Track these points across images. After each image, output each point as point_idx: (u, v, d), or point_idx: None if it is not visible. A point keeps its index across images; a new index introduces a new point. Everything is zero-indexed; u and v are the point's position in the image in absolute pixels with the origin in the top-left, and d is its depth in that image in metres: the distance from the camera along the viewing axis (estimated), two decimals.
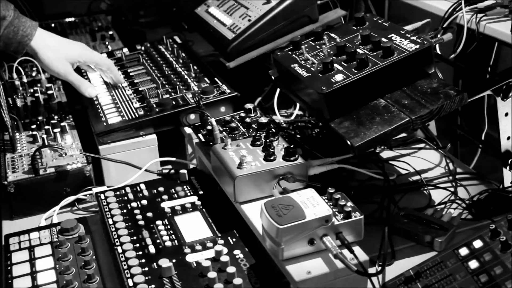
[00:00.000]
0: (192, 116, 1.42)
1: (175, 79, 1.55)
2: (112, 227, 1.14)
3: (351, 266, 0.91)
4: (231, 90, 1.47)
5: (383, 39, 1.18)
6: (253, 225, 1.05)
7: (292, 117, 1.52)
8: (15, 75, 1.73)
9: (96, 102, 1.52)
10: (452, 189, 1.32)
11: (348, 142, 1.05)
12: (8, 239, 1.17)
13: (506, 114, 1.26)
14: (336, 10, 1.63)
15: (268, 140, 1.15)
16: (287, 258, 0.95)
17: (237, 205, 1.10)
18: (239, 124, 1.30)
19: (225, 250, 1.05)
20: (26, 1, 2.14)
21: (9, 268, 1.09)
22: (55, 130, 1.44)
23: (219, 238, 1.10)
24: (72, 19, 2.23)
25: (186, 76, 1.56)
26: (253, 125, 1.30)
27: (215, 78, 1.54)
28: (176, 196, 1.24)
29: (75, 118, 1.53)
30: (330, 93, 1.11)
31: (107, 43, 1.96)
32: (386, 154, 1.47)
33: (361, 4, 1.87)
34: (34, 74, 1.79)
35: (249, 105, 1.36)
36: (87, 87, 1.46)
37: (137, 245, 1.09)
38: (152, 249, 1.07)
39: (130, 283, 0.99)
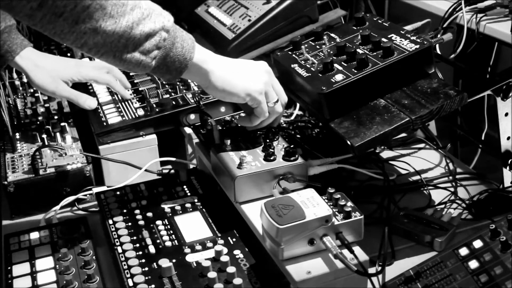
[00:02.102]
0: (192, 116, 1.42)
1: None
2: (112, 227, 1.14)
3: (351, 266, 0.91)
4: None
5: (383, 39, 1.18)
6: (253, 225, 1.05)
7: (292, 117, 1.52)
8: (15, 75, 1.73)
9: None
10: (452, 189, 1.32)
11: (348, 142, 1.05)
12: (8, 239, 1.17)
13: (506, 114, 1.26)
14: (336, 10, 1.63)
15: (268, 140, 1.16)
16: (287, 258, 0.95)
17: (237, 205, 1.10)
18: (239, 124, 1.30)
19: (225, 250, 1.05)
20: None
21: (9, 268, 1.09)
22: (55, 130, 1.44)
23: (219, 238, 1.10)
24: None
25: None
26: None
27: None
28: (176, 196, 1.23)
29: (75, 118, 1.53)
30: (330, 93, 1.11)
31: None
32: (386, 154, 1.47)
33: (361, 4, 1.87)
34: None
35: None
36: (85, 99, 1.41)
37: (137, 245, 1.09)
38: (152, 249, 1.07)
39: (130, 283, 0.99)
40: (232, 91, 1.10)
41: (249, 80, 1.11)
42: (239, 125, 1.22)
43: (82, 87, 1.59)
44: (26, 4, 0.88)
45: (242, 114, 1.25)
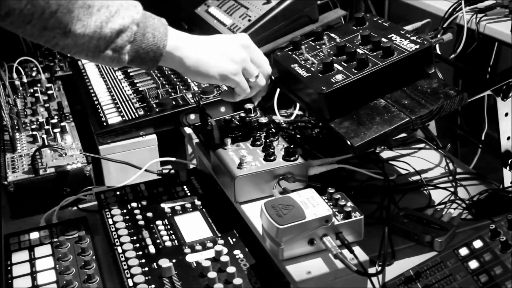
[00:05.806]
0: (192, 116, 1.42)
1: (175, 79, 1.55)
2: (112, 227, 1.14)
3: (351, 266, 0.91)
4: None
5: (383, 39, 1.18)
6: (253, 225, 1.05)
7: (292, 117, 1.52)
8: (15, 75, 1.73)
9: (96, 102, 1.52)
10: (452, 189, 1.32)
11: (348, 142, 1.05)
12: (8, 239, 1.17)
13: (506, 114, 1.26)
14: (336, 10, 1.63)
15: (268, 140, 1.15)
16: (287, 258, 0.95)
17: (237, 205, 1.10)
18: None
19: (225, 250, 1.05)
20: None
21: (9, 268, 1.09)
22: (55, 130, 1.44)
23: (219, 238, 1.10)
24: None
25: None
26: (253, 125, 1.30)
27: None
28: (176, 196, 1.23)
29: (75, 118, 1.53)
30: (330, 93, 1.10)
31: None
32: (386, 154, 1.47)
33: (361, 4, 1.87)
34: (34, 74, 1.79)
35: (249, 105, 1.35)
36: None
37: (137, 245, 1.09)
38: (152, 249, 1.07)
39: (130, 283, 0.99)
40: (207, 74, 1.09)
41: (223, 61, 1.09)
42: (224, 100, 1.21)
43: (82, 85, 1.59)
44: None
45: (225, 88, 1.24)
